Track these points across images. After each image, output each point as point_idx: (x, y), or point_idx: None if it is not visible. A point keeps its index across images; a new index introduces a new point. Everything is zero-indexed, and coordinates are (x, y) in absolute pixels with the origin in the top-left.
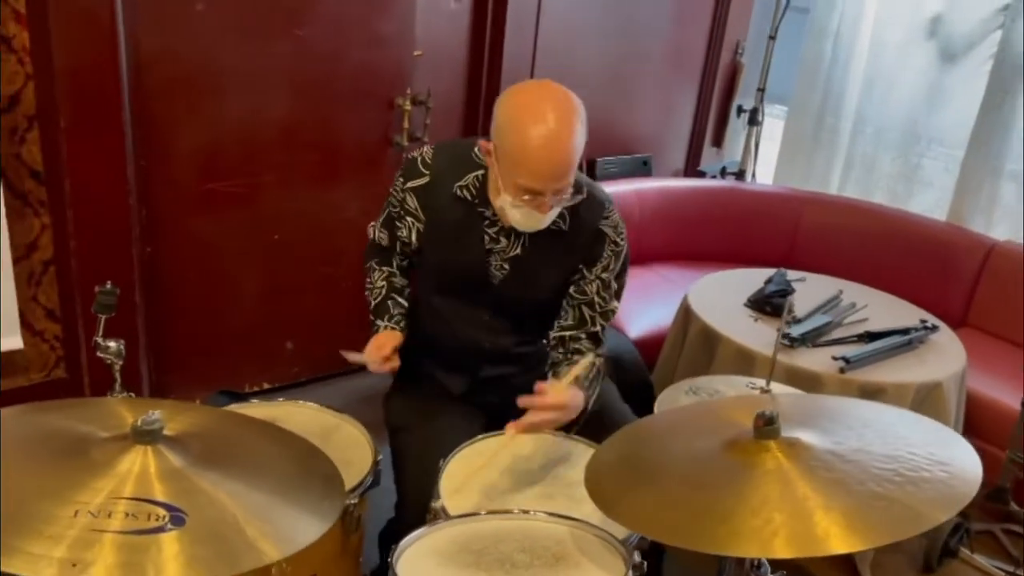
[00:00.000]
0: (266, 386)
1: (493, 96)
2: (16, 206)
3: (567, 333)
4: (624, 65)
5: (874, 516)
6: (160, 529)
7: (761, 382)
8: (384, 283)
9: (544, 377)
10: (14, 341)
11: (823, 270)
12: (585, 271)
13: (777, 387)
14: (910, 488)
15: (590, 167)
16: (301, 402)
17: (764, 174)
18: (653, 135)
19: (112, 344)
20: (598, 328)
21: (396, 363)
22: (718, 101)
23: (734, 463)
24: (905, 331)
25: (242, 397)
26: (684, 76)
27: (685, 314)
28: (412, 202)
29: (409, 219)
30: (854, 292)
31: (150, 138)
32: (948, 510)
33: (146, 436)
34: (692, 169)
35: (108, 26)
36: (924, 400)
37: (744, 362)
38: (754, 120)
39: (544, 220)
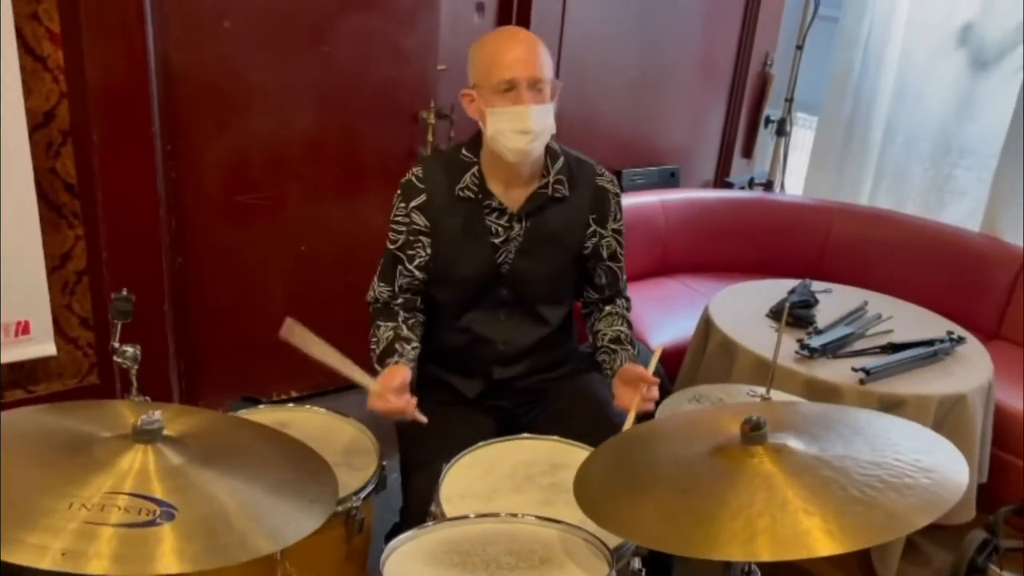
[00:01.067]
0: (293, 394)
1: None
2: (51, 218)
3: (605, 294)
4: (651, 76)
5: (853, 520)
6: (151, 523)
7: (762, 390)
8: (390, 333)
9: (548, 376)
10: (48, 348)
11: (853, 281)
12: (599, 228)
13: (778, 395)
14: (892, 494)
15: (617, 179)
16: (309, 406)
17: (794, 185)
18: (681, 146)
19: (129, 349)
20: (624, 279)
21: (409, 400)
22: (747, 112)
23: (721, 468)
24: (929, 343)
25: (263, 403)
26: (713, 87)
27: (706, 325)
28: (420, 219)
29: (421, 238)
30: (880, 303)
31: (180, 151)
32: (927, 515)
33: (145, 435)
34: (722, 180)
35: (139, 44)
36: (948, 413)
37: (763, 373)
38: (782, 131)
39: (532, 118)
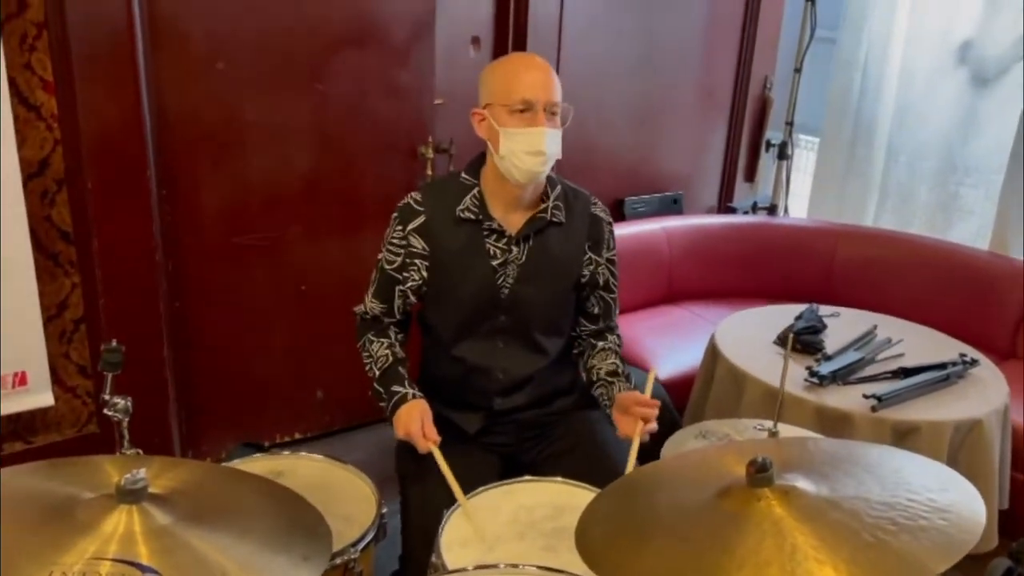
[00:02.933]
0: (297, 436)
1: None
2: (47, 267)
3: (598, 325)
4: (651, 103)
5: (865, 568)
6: None
7: (770, 424)
8: (387, 352)
9: (547, 411)
10: (46, 398)
11: (861, 304)
12: (595, 257)
13: (787, 428)
14: (905, 537)
15: (618, 207)
16: (304, 454)
17: (798, 208)
18: (683, 173)
19: (120, 401)
20: (616, 311)
21: (436, 437)
22: (749, 136)
23: (727, 513)
24: (942, 366)
25: (264, 449)
26: (713, 112)
27: (712, 353)
28: (418, 243)
29: (417, 261)
30: (890, 327)
31: (176, 195)
32: (945, 560)
33: (130, 496)
34: (725, 206)
35: (131, 91)
36: (964, 439)
37: (773, 403)
38: (783, 154)
39: (547, 140)
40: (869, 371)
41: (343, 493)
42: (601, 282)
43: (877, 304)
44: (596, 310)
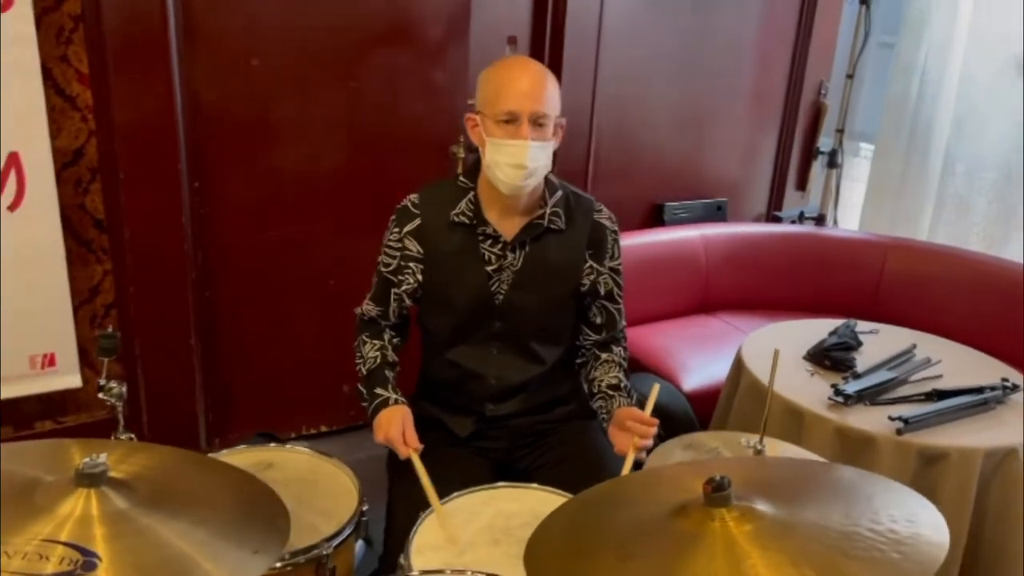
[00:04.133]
0: (323, 428)
1: None
2: (80, 253)
3: (602, 336)
4: (697, 107)
5: None
6: (70, 574)
7: (756, 439)
8: (377, 354)
9: (544, 419)
10: (73, 380)
11: (907, 322)
12: (597, 266)
13: (777, 445)
14: (854, 567)
15: (657, 213)
16: (293, 447)
17: (851, 219)
18: (729, 179)
19: (114, 386)
20: (623, 323)
21: (417, 444)
22: (801, 143)
23: (680, 532)
24: (979, 390)
25: (278, 440)
26: (764, 117)
27: (737, 366)
28: (413, 245)
29: (412, 264)
30: (931, 346)
31: (208, 188)
32: None
33: (87, 480)
34: (773, 214)
35: (164, 84)
36: (997, 468)
37: (793, 420)
38: (833, 162)
39: (530, 154)
40: (901, 392)
41: (326, 488)
42: (603, 291)
43: (925, 322)
44: (599, 320)
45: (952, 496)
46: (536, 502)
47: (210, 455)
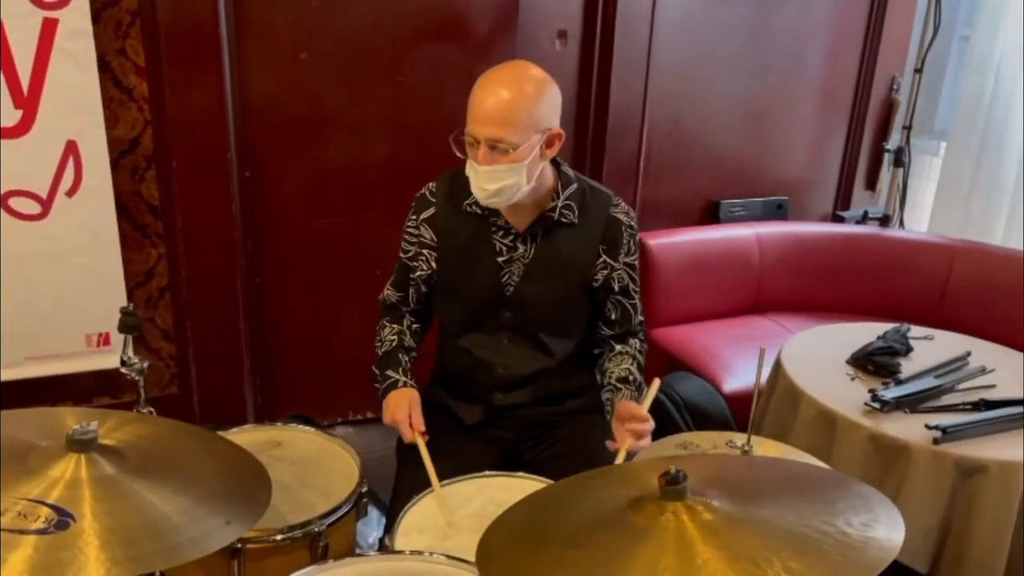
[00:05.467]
0: (369, 415)
1: (601, 139)
2: (136, 237)
3: (616, 331)
4: (757, 104)
5: None
6: (44, 532)
7: (742, 439)
8: (395, 337)
9: (555, 410)
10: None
11: (972, 329)
12: (611, 261)
13: (767, 444)
14: (794, 565)
15: (713, 209)
16: (301, 426)
17: (920, 220)
18: (792, 177)
19: (136, 362)
20: (639, 318)
21: (423, 428)
22: (871, 141)
23: (633, 525)
24: None
25: (314, 423)
26: (831, 114)
27: (777, 368)
28: (428, 233)
29: (426, 252)
30: (988, 354)
31: (259, 177)
32: None
33: (77, 445)
34: (834, 214)
35: (215, 77)
36: None
37: (825, 425)
38: (899, 161)
39: (484, 178)
40: (945, 400)
41: (329, 468)
42: (617, 287)
43: (991, 330)
44: (614, 316)
45: (992, 511)
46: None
47: (219, 431)
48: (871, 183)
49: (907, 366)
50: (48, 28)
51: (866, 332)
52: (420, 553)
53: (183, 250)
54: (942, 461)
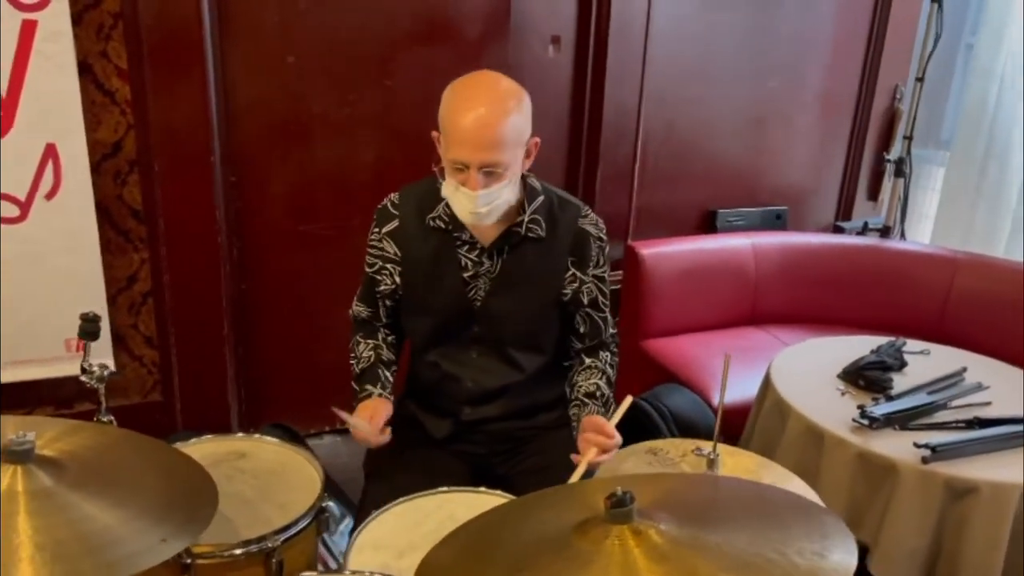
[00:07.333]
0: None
1: (595, 145)
2: (119, 242)
3: (586, 344)
4: (757, 111)
5: None
6: None
7: (709, 446)
8: (371, 353)
9: (526, 425)
10: (107, 364)
11: (974, 344)
12: (579, 274)
13: (739, 456)
14: None
15: (710, 219)
16: (267, 438)
17: (922, 231)
18: (792, 187)
19: (96, 370)
20: (609, 330)
21: (388, 436)
22: (872, 150)
23: (577, 549)
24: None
25: (293, 433)
26: (832, 123)
27: (766, 381)
28: (390, 247)
29: (389, 266)
30: (985, 370)
31: (246, 182)
32: None
33: (14, 456)
34: (833, 225)
35: (199, 81)
36: None
37: (812, 441)
38: (900, 171)
39: (479, 203)
40: (938, 418)
41: (290, 481)
42: (587, 300)
43: (993, 345)
44: (583, 328)
45: (983, 534)
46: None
47: (178, 444)
48: (873, 193)
49: (900, 381)
50: (27, 30)
51: (860, 346)
52: (362, 573)
53: (166, 255)
54: (931, 481)
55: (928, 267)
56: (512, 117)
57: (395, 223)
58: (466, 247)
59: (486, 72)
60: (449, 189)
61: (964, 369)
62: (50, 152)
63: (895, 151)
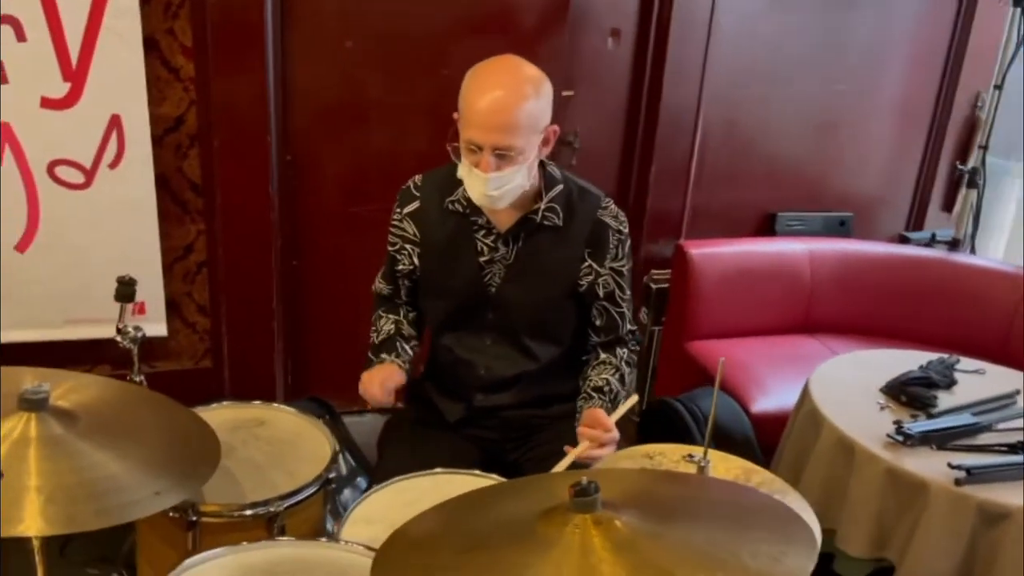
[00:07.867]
0: (399, 405)
1: (650, 141)
2: (177, 212)
3: (603, 338)
4: (826, 114)
5: None
6: None
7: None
8: (392, 327)
9: (540, 413)
10: (160, 328)
11: None
12: (596, 266)
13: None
14: None
15: (769, 222)
16: (286, 407)
17: (996, 246)
18: (860, 193)
19: (131, 331)
20: (627, 326)
21: (392, 398)
22: (949, 159)
23: (538, 536)
24: None
25: (330, 408)
26: (907, 129)
27: (805, 391)
28: (410, 228)
29: (408, 246)
30: None
31: (301, 161)
32: None
33: (28, 404)
34: (902, 235)
35: (258, 62)
36: None
37: (843, 454)
38: (973, 182)
39: (490, 185)
40: (980, 440)
41: (303, 450)
42: (602, 293)
43: None
44: (599, 322)
45: (1016, 563)
46: None
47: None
48: (948, 204)
49: (946, 399)
50: (97, 6)
51: (909, 360)
52: (337, 542)
53: (221, 228)
54: (963, 504)
55: (997, 284)
56: (529, 103)
57: (416, 204)
58: (482, 232)
59: (509, 56)
60: (464, 170)
61: (1017, 392)
62: (115, 123)
63: (970, 161)
